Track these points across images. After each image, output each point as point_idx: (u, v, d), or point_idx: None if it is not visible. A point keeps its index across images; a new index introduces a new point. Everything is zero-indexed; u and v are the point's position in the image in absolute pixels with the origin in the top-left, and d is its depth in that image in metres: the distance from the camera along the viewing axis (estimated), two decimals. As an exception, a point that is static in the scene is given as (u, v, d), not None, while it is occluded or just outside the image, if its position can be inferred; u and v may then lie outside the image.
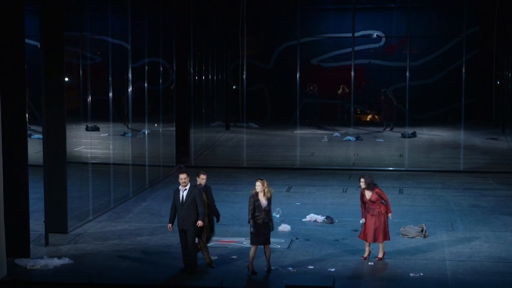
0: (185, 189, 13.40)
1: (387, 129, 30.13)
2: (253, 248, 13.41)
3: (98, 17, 20.20)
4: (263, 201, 13.37)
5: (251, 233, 13.42)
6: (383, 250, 14.29)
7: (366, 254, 14.29)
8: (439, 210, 18.27)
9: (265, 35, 33.32)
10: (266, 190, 13.39)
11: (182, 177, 13.42)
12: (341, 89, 31.40)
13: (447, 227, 16.71)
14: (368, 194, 14.17)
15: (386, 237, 14.19)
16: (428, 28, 32.18)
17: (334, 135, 29.40)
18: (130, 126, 21.81)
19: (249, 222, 13.44)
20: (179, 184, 13.50)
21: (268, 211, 13.40)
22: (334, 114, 32.48)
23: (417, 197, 19.83)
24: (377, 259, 14.23)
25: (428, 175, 22.71)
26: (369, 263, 14.05)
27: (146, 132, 22.06)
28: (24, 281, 13.16)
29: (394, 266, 14.00)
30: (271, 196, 13.48)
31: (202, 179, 13.96)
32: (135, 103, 21.37)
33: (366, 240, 14.24)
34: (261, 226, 13.36)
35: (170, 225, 13.67)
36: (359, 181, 14.22)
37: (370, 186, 14.12)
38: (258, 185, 13.37)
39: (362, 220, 14.24)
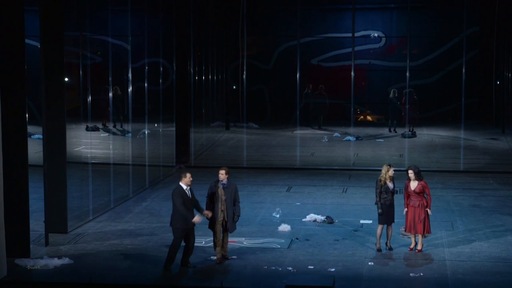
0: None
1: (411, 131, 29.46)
2: (380, 227, 14.72)
3: (98, 17, 20.18)
4: (389, 184, 14.68)
5: (379, 214, 14.73)
6: (422, 243, 14.65)
7: (412, 245, 14.73)
8: (439, 210, 18.26)
9: (265, 35, 33.31)
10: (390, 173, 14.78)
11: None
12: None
13: (447, 227, 16.71)
14: (413, 185, 14.64)
15: (426, 229, 14.53)
16: (428, 28, 32.16)
17: (334, 135, 29.39)
18: (109, 126, 21.74)
19: (376, 203, 14.75)
20: (178, 184, 13.51)
21: (393, 193, 14.77)
22: (337, 114, 32.35)
23: (417, 197, 19.81)
24: (416, 251, 14.59)
25: (428, 175, 22.62)
26: (369, 263, 14.06)
27: (146, 132, 22.04)
28: (24, 281, 13.16)
29: (394, 266, 14.00)
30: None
31: (221, 174, 14.27)
32: (135, 103, 21.35)
33: (411, 232, 14.67)
34: (388, 207, 14.62)
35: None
36: (407, 173, 14.75)
37: (419, 175, 14.63)
38: (391, 171, 14.80)
39: (405, 211, 14.74)
